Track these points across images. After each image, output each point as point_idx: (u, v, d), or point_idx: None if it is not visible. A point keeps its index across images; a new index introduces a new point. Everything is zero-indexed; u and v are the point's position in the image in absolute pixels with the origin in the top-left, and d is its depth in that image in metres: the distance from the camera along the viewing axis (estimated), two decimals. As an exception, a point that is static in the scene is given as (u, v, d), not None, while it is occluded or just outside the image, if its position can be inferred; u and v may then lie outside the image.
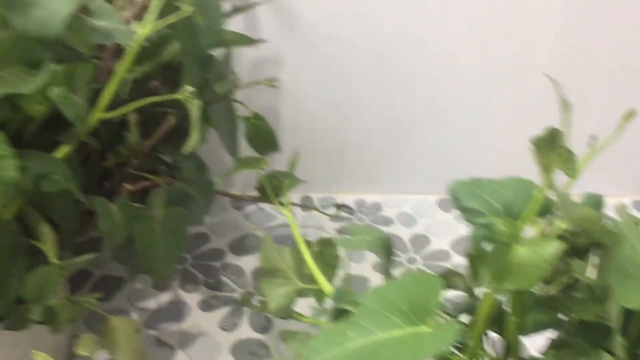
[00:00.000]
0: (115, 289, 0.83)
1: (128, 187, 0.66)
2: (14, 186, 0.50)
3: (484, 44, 0.88)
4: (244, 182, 0.98)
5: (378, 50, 0.88)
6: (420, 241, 0.93)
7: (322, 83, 0.90)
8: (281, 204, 0.80)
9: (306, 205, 0.92)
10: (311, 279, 0.62)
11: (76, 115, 0.55)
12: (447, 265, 0.89)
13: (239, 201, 0.98)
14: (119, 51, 0.66)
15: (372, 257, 0.89)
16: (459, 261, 0.89)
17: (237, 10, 0.70)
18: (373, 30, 0.87)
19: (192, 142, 0.60)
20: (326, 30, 0.86)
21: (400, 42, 0.88)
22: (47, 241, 0.57)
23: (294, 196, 0.98)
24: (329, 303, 0.54)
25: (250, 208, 0.98)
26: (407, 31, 0.87)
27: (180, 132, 0.70)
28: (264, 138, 0.66)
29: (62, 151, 0.58)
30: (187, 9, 0.55)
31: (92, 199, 0.60)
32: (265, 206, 0.97)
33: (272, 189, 0.77)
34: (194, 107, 0.59)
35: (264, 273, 0.64)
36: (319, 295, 0.58)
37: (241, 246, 0.91)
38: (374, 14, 0.85)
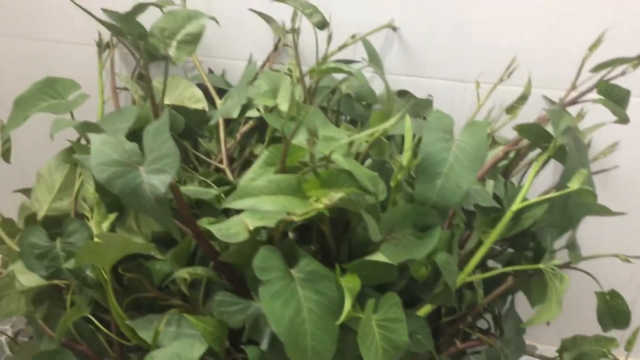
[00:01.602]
0: None
1: (459, 345, 0.65)
2: (402, 350, 0.51)
3: None
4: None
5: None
6: None
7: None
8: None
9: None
10: None
11: (452, 280, 0.56)
12: None
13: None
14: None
15: None
16: None
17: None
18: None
19: (548, 315, 0.58)
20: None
21: None
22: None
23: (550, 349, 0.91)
24: None
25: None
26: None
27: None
28: (614, 316, 0.62)
29: (424, 310, 0.58)
30: (573, 188, 0.55)
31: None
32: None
33: (577, 356, 0.72)
34: (559, 282, 0.57)
35: None
36: None
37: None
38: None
